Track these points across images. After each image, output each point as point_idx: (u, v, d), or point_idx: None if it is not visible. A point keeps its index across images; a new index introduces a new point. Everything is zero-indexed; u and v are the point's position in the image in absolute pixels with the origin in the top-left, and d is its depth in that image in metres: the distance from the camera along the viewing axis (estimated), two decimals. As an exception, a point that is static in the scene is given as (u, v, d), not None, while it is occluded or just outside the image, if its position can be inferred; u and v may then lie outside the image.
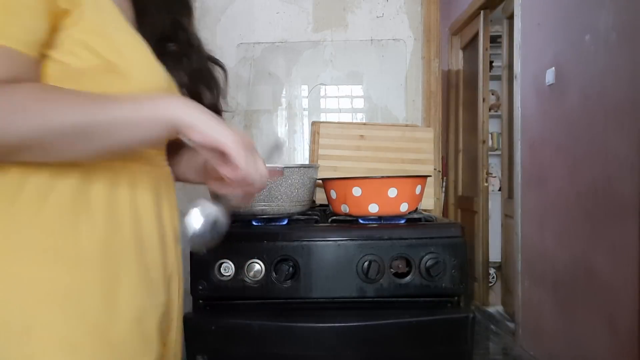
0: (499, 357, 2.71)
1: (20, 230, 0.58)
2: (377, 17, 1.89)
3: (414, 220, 1.23)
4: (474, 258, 3.42)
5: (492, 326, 3.11)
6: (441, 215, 1.76)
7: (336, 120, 1.89)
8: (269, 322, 1.10)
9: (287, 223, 1.24)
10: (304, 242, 1.13)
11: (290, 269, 1.11)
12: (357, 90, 1.92)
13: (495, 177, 4.02)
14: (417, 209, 1.28)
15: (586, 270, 2.02)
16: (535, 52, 2.48)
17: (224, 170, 0.61)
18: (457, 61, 3.81)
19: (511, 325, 2.84)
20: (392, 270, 1.12)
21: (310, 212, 1.34)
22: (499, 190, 3.68)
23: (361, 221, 1.22)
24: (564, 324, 2.21)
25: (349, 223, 1.21)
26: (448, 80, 3.81)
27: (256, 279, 1.12)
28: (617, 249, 1.81)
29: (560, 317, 2.23)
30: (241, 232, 1.18)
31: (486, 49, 3.25)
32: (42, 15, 0.55)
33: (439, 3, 1.87)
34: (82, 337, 0.59)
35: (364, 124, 1.79)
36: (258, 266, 1.12)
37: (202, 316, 1.13)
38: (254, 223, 1.23)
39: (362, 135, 1.71)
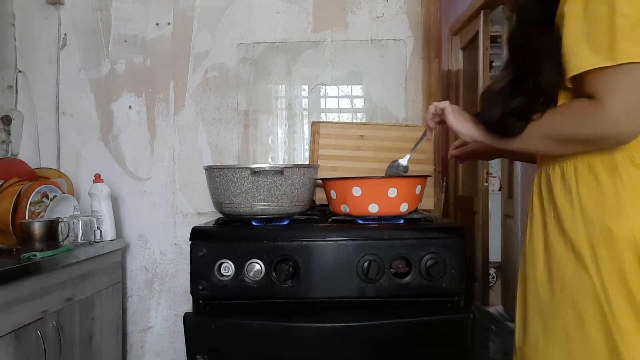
0: (499, 357, 2.71)
1: None
2: (377, 17, 1.89)
3: (414, 220, 1.23)
4: (474, 258, 3.42)
5: (492, 326, 3.11)
6: (441, 215, 1.76)
7: (336, 120, 1.88)
8: (269, 322, 1.10)
9: (287, 223, 1.24)
10: (304, 242, 1.13)
11: (290, 269, 1.11)
12: (357, 90, 1.92)
13: (495, 177, 4.02)
14: (417, 209, 1.28)
15: (586, 270, 2.01)
16: (535, 52, 2.47)
17: None
18: (457, 61, 3.80)
19: (511, 325, 2.84)
20: (392, 270, 1.12)
21: (310, 212, 1.34)
22: (499, 190, 3.68)
23: (361, 221, 1.22)
24: (564, 324, 2.20)
25: (349, 223, 1.21)
26: (448, 80, 3.81)
27: (256, 279, 1.12)
28: (617, 249, 1.81)
29: (560, 317, 2.22)
30: (241, 232, 1.18)
31: (486, 49, 3.25)
32: None
33: (439, 3, 1.87)
34: None
35: (364, 124, 1.79)
36: (258, 266, 1.12)
37: (202, 316, 1.13)
38: (254, 223, 1.23)
39: (362, 135, 1.70)
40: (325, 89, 1.91)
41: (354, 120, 1.91)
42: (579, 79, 0.79)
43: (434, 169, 1.74)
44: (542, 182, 0.94)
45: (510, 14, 1.05)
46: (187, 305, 1.88)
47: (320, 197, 1.58)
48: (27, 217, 1.50)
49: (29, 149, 1.91)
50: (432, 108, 1.03)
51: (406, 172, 1.20)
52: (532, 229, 0.96)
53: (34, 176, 1.68)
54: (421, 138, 1.12)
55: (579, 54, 0.78)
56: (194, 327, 1.10)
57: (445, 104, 1.00)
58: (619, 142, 0.79)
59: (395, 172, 1.20)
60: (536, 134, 0.84)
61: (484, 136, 0.93)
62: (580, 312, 0.80)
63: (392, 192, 1.16)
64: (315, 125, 1.71)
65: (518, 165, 2.65)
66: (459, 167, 3.81)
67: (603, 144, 0.81)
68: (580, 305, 0.81)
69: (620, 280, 0.78)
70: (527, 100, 0.84)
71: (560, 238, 0.86)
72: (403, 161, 1.20)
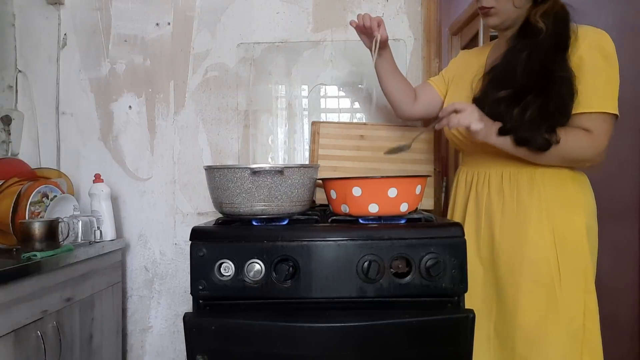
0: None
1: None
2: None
3: (414, 220, 1.23)
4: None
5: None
6: (441, 215, 1.76)
7: (336, 120, 1.89)
8: (269, 322, 1.10)
9: (287, 223, 1.24)
10: (304, 242, 1.13)
11: (290, 269, 1.11)
12: (357, 90, 1.92)
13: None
14: (417, 209, 1.28)
15: (586, 270, 2.01)
16: (535, 52, 2.47)
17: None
18: (457, 61, 3.80)
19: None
20: (392, 270, 1.12)
21: (310, 212, 1.34)
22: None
23: (361, 221, 1.22)
24: (564, 324, 2.20)
25: (349, 223, 1.21)
26: (448, 80, 3.80)
27: (256, 279, 1.12)
28: (617, 249, 1.81)
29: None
30: (241, 232, 1.18)
31: (486, 49, 3.24)
32: None
33: (439, 3, 1.87)
34: None
35: (364, 124, 1.79)
36: (258, 266, 1.12)
37: (202, 316, 1.13)
38: (254, 223, 1.23)
39: (362, 135, 1.70)
40: (325, 89, 1.91)
41: (354, 120, 1.91)
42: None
43: (434, 169, 1.74)
44: (504, 180, 1.27)
45: (517, 42, 1.23)
46: (187, 305, 1.88)
47: (320, 197, 1.58)
48: (27, 217, 1.50)
49: (29, 149, 1.91)
50: (450, 108, 1.22)
51: (409, 148, 1.33)
52: (483, 212, 1.32)
53: (34, 176, 1.68)
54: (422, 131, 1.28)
55: (590, 98, 1.15)
56: (194, 327, 1.10)
57: (465, 106, 1.20)
58: (595, 163, 1.20)
59: (399, 148, 1.33)
60: (555, 154, 1.17)
61: (508, 148, 1.19)
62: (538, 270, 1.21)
63: (392, 192, 1.16)
64: (315, 125, 1.71)
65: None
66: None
67: (588, 164, 1.22)
68: (536, 275, 1.21)
69: (574, 255, 1.19)
70: (553, 120, 1.14)
71: (520, 223, 1.23)
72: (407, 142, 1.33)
